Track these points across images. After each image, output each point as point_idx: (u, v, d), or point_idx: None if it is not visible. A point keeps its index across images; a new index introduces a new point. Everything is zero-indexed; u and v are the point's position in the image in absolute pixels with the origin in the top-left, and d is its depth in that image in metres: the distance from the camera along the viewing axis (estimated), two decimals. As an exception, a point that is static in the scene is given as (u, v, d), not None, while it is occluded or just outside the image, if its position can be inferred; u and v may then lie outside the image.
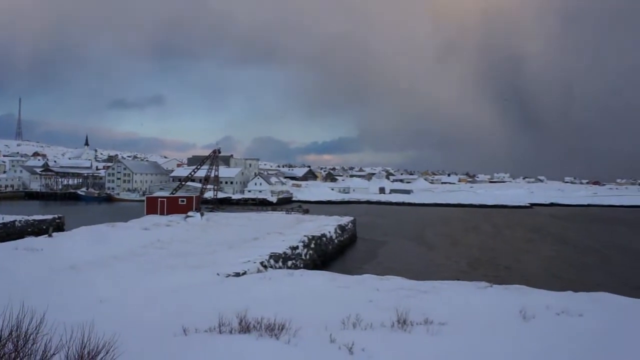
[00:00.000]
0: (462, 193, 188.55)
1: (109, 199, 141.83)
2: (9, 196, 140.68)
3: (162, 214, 61.69)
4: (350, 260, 47.33)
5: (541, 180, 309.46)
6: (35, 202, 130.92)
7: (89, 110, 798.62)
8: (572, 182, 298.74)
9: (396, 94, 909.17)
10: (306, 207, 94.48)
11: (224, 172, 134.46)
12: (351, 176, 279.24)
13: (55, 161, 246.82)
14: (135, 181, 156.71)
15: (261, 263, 30.80)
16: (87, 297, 19.95)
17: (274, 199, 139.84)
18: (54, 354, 7.52)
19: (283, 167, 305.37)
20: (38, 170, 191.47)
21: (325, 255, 44.63)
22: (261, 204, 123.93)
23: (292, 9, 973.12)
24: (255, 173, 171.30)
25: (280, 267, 32.92)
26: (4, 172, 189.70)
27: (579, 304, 16.72)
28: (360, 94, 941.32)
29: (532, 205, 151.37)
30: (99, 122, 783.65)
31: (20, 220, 57.99)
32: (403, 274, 28.35)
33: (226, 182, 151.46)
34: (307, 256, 40.14)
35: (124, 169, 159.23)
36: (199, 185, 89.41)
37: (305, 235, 43.19)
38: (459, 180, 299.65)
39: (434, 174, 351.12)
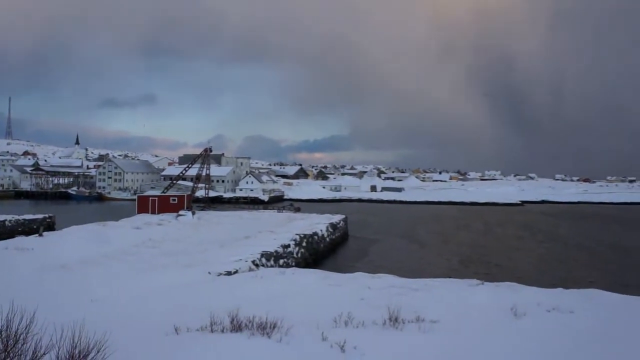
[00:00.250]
0: (453, 191, 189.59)
1: (100, 198, 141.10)
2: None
3: (153, 212, 61.39)
4: (341, 258, 47.38)
5: (532, 178, 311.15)
6: (26, 201, 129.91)
7: (80, 109, 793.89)
8: (562, 180, 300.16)
9: (388, 92, 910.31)
10: (298, 205, 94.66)
11: (215, 170, 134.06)
12: (343, 174, 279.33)
13: (45, 160, 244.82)
14: (127, 180, 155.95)
15: (253, 262, 30.72)
16: (78, 297, 19.84)
17: (265, 198, 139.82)
18: (44, 353, 7.48)
19: (275, 165, 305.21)
20: (28, 169, 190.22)
21: (316, 254, 44.59)
22: (253, 203, 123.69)
23: (284, 8, 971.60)
24: (246, 171, 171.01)
25: (271, 266, 32.83)
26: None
27: (569, 301, 16.84)
28: (352, 93, 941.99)
29: (523, 202, 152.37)
30: (89, 121, 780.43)
31: (10, 220, 57.53)
32: (395, 271, 28.36)
33: (217, 181, 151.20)
34: (299, 254, 40.10)
35: (115, 168, 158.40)
36: (190, 184, 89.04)
37: (296, 234, 43.16)
38: (450, 178, 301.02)
39: (426, 172, 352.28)
